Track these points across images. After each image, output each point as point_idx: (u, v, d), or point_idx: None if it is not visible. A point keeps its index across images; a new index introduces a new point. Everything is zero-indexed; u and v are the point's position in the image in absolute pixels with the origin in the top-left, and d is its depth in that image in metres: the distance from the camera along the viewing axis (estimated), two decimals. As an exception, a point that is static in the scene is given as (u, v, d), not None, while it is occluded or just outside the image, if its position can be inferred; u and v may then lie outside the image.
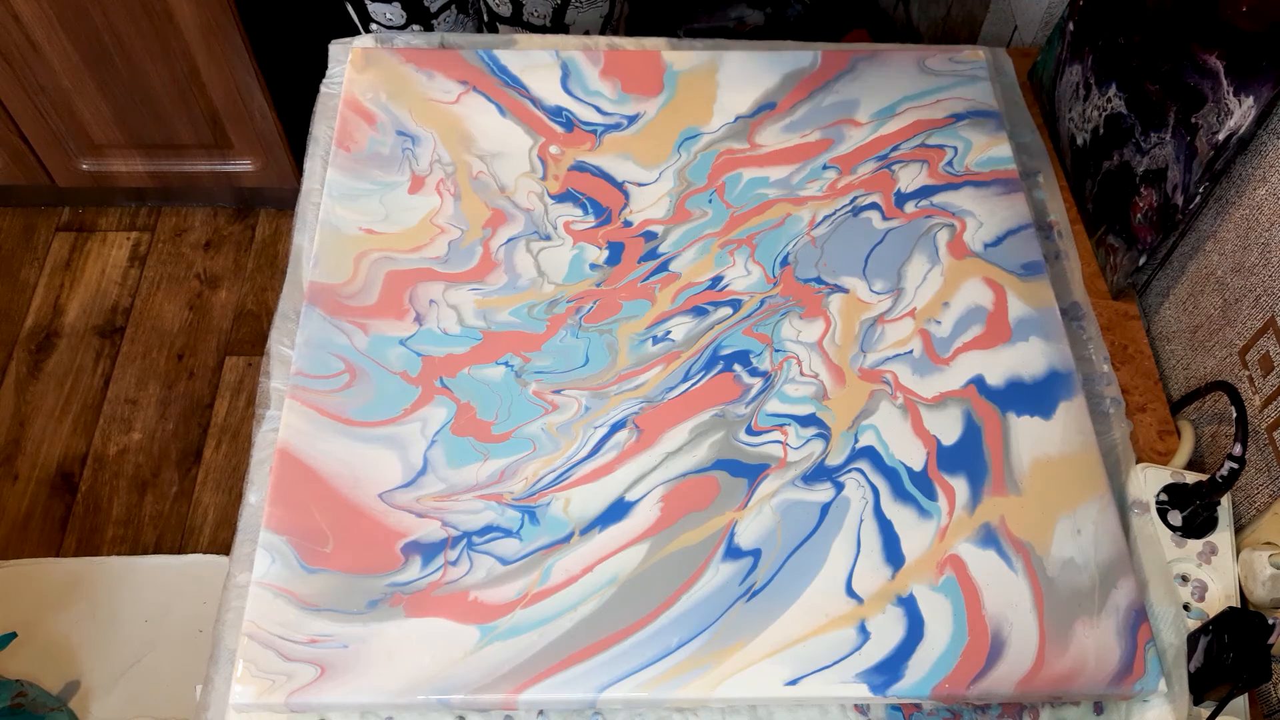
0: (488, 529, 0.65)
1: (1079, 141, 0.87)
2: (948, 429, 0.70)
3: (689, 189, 0.81)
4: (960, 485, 0.68)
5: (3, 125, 1.49)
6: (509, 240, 0.78)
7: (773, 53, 0.89)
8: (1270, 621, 0.60)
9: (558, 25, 1.03)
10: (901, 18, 1.48)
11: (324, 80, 0.87)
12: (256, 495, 0.68)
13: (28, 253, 1.70)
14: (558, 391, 0.71)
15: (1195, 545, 0.69)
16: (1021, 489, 0.68)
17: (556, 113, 0.85)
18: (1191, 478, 0.71)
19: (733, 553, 0.65)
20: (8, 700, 1.25)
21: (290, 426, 0.68)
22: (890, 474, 0.68)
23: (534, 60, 0.87)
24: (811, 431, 0.70)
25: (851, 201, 0.81)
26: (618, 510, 0.66)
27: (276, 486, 0.66)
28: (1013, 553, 0.65)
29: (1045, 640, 0.62)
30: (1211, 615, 0.65)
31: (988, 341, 0.74)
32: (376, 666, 0.60)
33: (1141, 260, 0.79)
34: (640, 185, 0.81)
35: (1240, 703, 0.65)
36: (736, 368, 0.72)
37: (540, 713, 0.62)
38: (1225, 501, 0.70)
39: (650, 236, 0.78)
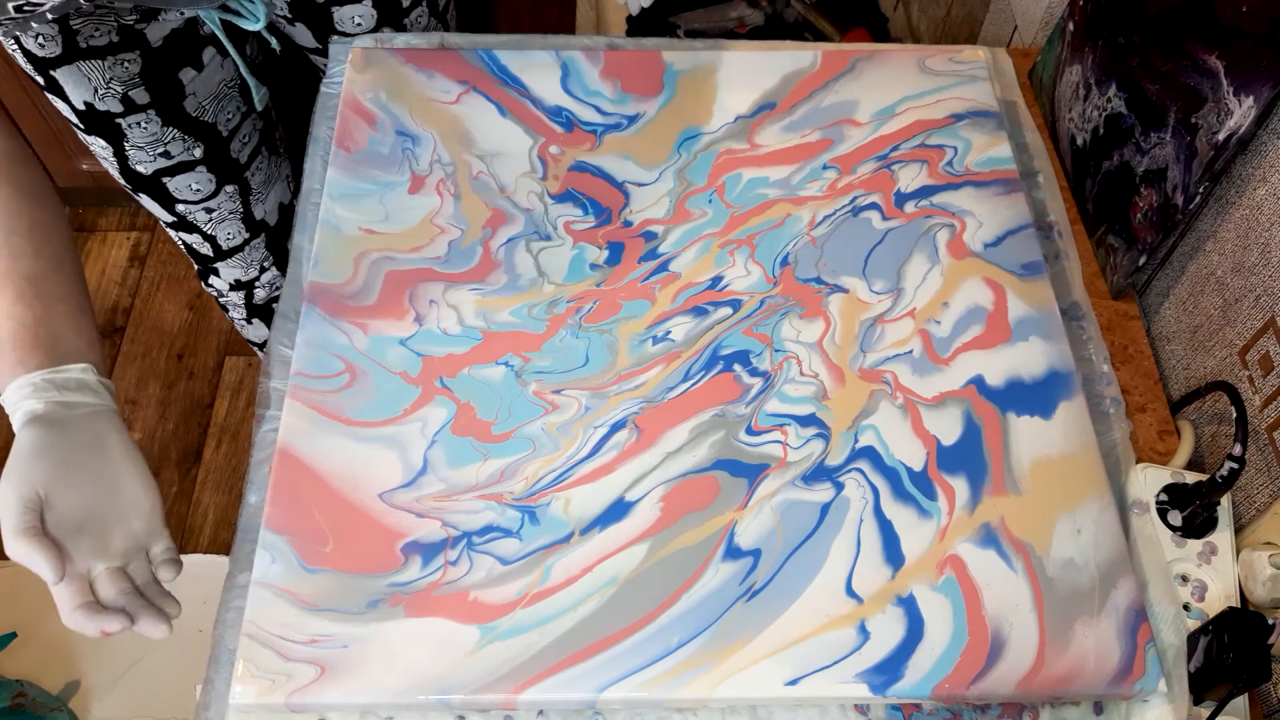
0: (488, 529, 0.65)
1: (1079, 141, 0.87)
2: (948, 429, 0.70)
3: (689, 189, 0.81)
4: (960, 485, 0.68)
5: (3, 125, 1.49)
6: (509, 240, 0.78)
7: (773, 53, 0.89)
8: (1270, 621, 0.60)
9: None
10: (901, 18, 1.48)
11: (324, 80, 0.87)
12: (256, 495, 0.68)
13: (28, 253, 1.69)
14: (558, 391, 0.71)
15: (1195, 545, 0.69)
16: (1021, 489, 0.68)
17: (556, 113, 0.85)
18: (1191, 478, 0.71)
19: (733, 553, 0.65)
20: (8, 700, 1.25)
21: (290, 426, 0.68)
22: (890, 474, 0.68)
23: (534, 60, 0.87)
24: (811, 431, 0.70)
25: (851, 201, 0.81)
26: (618, 510, 0.66)
27: (276, 486, 0.66)
28: (1013, 553, 0.65)
29: (1045, 640, 0.62)
30: (1211, 615, 0.65)
31: (988, 341, 0.74)
32: (376, 666, 0.60)
33: (1141, 260, 0.79)
34: (640, 185, 0.81)
35: (1240, 703, 0.65)
36: (736, 368, 0.72)
37: (540, 713, 0.62)
38: (1225, 501, 0.70)
39: (650, 236, 0.78)
